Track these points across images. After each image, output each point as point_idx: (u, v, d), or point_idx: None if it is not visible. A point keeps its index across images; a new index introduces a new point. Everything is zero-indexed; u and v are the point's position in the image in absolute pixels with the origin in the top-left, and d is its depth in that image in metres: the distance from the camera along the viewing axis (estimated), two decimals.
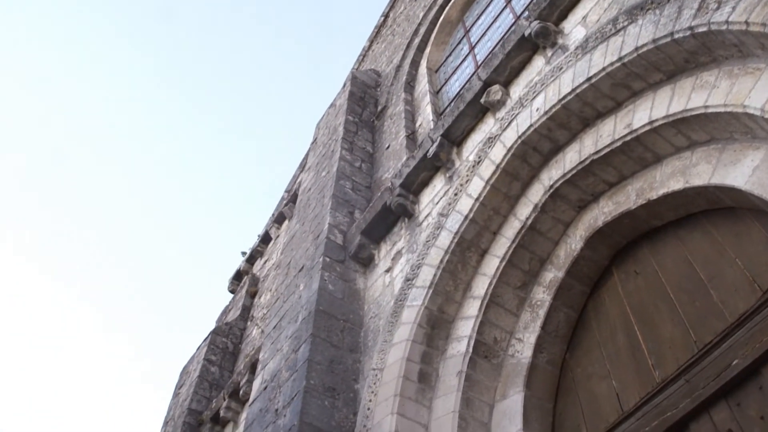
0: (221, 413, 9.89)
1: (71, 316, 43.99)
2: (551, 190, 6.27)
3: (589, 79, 5.95)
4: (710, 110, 5.00)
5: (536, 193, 6.40)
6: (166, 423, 11.36)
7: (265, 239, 14.49)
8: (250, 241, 15.31)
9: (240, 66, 51.09)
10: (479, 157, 6.91)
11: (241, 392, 9.66)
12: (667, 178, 5.52)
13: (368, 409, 6.26)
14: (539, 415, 5.63)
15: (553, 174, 6.33)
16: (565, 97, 6.15)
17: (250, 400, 8.01)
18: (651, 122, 5.50)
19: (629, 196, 5.84)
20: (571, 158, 6.20)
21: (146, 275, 47.43)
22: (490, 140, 6.88)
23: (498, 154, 6.65)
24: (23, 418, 38.73)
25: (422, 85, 11.42)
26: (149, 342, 46.67)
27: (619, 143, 5.76)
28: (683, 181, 5.34)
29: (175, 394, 11.95)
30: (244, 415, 9.22)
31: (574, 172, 6.12)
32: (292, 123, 51.86)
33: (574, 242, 6.19)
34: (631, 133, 5.66)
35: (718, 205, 5.23)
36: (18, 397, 40.31)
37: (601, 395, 5.32)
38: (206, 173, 49.65)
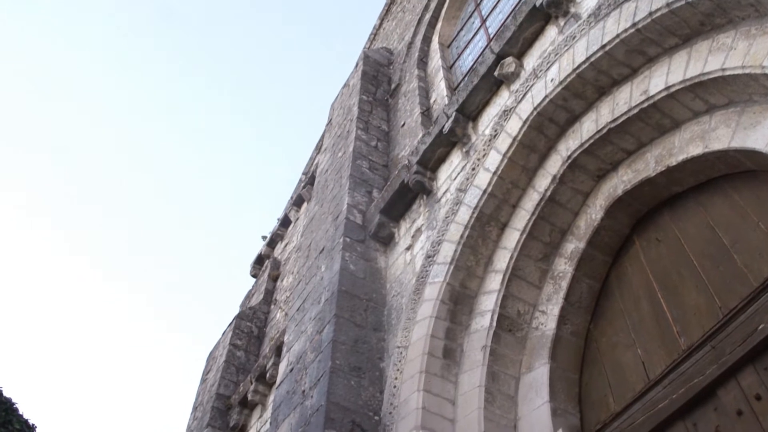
0: (249, 397, 9.97)
1: (95, 304, 44.44)
2: (569, 161, 6.23)
3: (603, 47, 5.88)
4: (728, 73, 4.93)
5: (554, 165, 6.36)
6: (195, 409, 11.47)
7: (285, 222, 14.53)
8: (270, 225, 15.36)
9: (254, 51, 51.05)
10: (495, 131, 6.87)
11: (267, 375, 9.73)
12: (686, 144, 5.46)
13: (394, 387, 6.29)
14: (565, 387, 5.63)
15: (570, 144, 6.29)
16: (579, 66, 6.09)
17: (277, 382, 8.07)
18: (668, 88, 5.44)
19: (648, 164, 5.79)
20: (588, 128, 6.15)
21: (170, 264, 47.74)
22: (506, 113, 6.83)
23: (514, 126, 6.61)
24: (54, 402, 39.28)
25: (435, 60, 11.35)
26: (176, 331, 47.07)
27: (636, 110, 5.71)
28: (702, 145, 5.28)
29: (203, 380, 12.05)
30: (271, 398, 9.29)
31: (591, 141, 6.07)
32: (308, 105, 51.81)
33: (594, 212, 6.15)
34: (647, 99, 5.60)
35: (738, 169, 5.17)
36: (53, 383, 40.86)
37: (626, 364, 5.31)
38: (221, 160, 49.76)
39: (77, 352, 43.35)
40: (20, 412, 11.13)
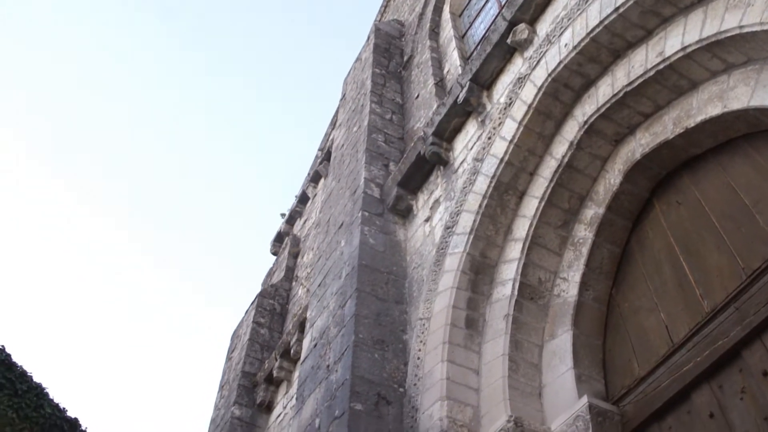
0: (274, 373, 10.06)
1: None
2: (586, 126, 6.18)
3: (616, 9, 5.81)
4: (745, 30, 4.86)
5: (571, 131, 6.32)
6: (221, 387, 11.60)
7: (303, 199, 14.55)
8: (288, 203, 15.38)
9: (267, 29, 50.85)
10: (510, 99, 6.82)
11: (291, 351, 9.80)
12: (704, 104, 5.40)
13: (418, 358, 6.32)
14: (589, 353, 5.63)
15: (586, 109, 6.23)
16: (593, 30, 6.02)
17: (302, 358, 8.13)
18: (684, 48, 5.37)
19: (666, 126, 5.74)
20: (603, 92, 6.09)
21: (193, 244, 48.05)
22: (520, 80, 6.78)
23: (529, 93, 6.56)
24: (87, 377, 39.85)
25: (447, 30, 11.26)
26: (199, 311, 47.46)
27: (652, 72, 5.64)
28: (721, 105, 5.22)
29: (228, 359, 12.17)
30: (296, 374, 9.37)
31: (608, 105, 6.01)
32: (321, 81, 51.67)
33: (612, 177, 6.11)
34: (663, 61, 5.53)
35: (758, 128, 5.11)
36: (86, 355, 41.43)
37: (650, 329, 5.30)
38: (237, 139, 49.82)
39: (103, 333, 43.87)
40: (50, 397, 11.30)
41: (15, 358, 11.04)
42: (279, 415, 9.86)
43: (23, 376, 11.01)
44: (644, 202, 6.01)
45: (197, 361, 45.11)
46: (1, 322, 36.75)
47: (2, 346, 10.92)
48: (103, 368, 42.97)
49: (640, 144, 5.95)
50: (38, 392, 11.12)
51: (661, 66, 5.55)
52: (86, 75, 44.87)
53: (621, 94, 5.90)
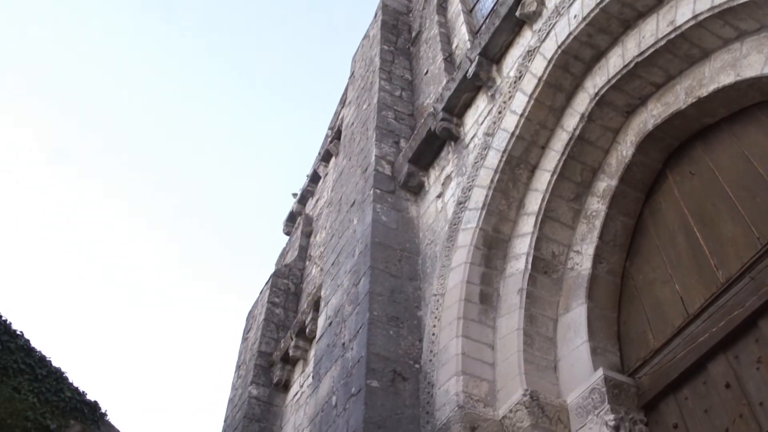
0: (290, 352, 10.12)
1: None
2: (597, 98, 6.13)
3: None
4: None
5: (582, 103, 6.28)
6: (238, 367, 11.68)
7: (314, 178, 14.54)
8: (300, 182, 15.37)
9: (274, 9, 50.59)
10: (520, 72, 6.77)
11: (307, 330, 9.85)
12: (717, 73, 5.34)
13: (433, 334, 6.34)
14: (604, 325, 5.63)
15: (597, 81, 6.18)
16: (602, 0, 5.96)
17: (317, 336, 8.17)
18: (695, 16, 5.30)
19: (678, 96, 5.68)
20: (614, 63, 6.04)
21: (206, 225, 48.25)
22: (530, 53, 6.73)
23: (539, 66, 6.51)
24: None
25: (455, 5, 11.16)
26: (214, 294, 47.73)
27: (663, 42, 5.58)
28: (734, 74, 5.16)
29: (244, 339, 12.24)
30: (312, 352, 9.42)
31: (618, 77, 5.96)
32: (329, 59, 51.49)
33: (624, 149, 6.08)
34: (675, 30, 5.47)
35: None
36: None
37: (664, 300, 5.29)
38: (247, 121, 49.80)
39: (118, 316, 44.19)
40: (70, 381, 11.42)
41: (34, 344, 11.15)
42: (296, 394, 9.93)
43: (42, 361, 11.12)
44: (657, 173, 5.98)
45: (213, 342, 45.43)
46: (20, 308, 37.10)
47: (21, 331, 11.02)
48: (120, 351, 43.36)
49: (651, 115, 5.91)
50: (58, 377, 11.23)
51: (673, 35, 5.49)
52: (94, 63, 44.89)
53: (632, 65, 5.84)
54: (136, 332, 44.63)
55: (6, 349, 10.56)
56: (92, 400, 11.63)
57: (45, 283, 42.59)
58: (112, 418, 12.08)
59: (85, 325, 43.38)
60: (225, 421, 10.88)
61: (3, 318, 10.82)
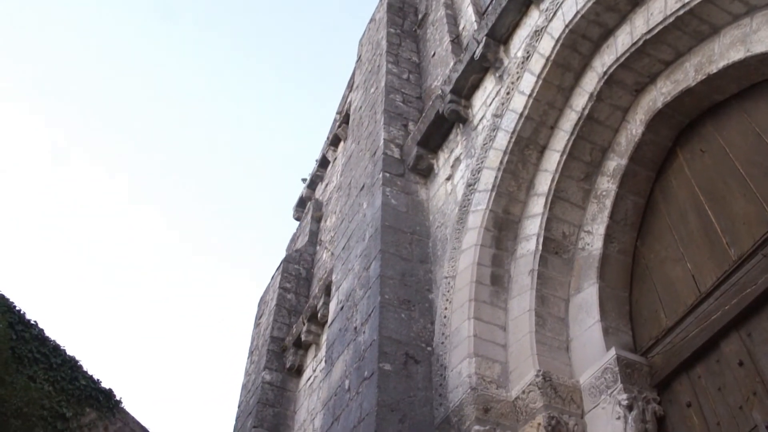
0: (302, 337, 10.15)
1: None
2: (605, 77, 6.09)
3: None
4: None
5: (590, 82, 6.24)
6: (251, 353, 11.73)
7: (323, 163, 14.53)
8: (308, 167, 15.36)
9: None
10: (527, 53, 6.74)
11: (319, 315, 9.88)
12: (727, 49, 5.29)
13: (445, 317, 6.35)
14: (615, 305, 5.62)
15: (605, 60, 6.14)
16: None
17: (329, 321, 8.19)
18: None
19: (687, 73, 5.64)
20: (622, 41, 5.99)
21: (216, 213, 48.36)
22: (537, 33, 6.69)
23: (546, 46, 6.47)
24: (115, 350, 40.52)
25: None
26: (225, 281, 47.92)
27: (671, 19, 5.53)
28: (744, 50, 5.11)
29: (256, 325, 12.29)
30: (324, 337, 9.45)
31: (627, 55, 5.92)
32: (335, 44, 51.32)
33: (634, 127, 6.04)
34: (683, 6, 5.41)
35: None
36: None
37: (676, 279, 5.27)
38: (254, 106, 49.77)
39: (130, 305, 44.45)
40: (84, 369, 11.51)
41: (47, 333, 11.23)
42: (309, 378, 9.97)
43: (56, 349, 11.20)
44: (667, 152, 5.94)
45: (226, 328, 45.62)
46: (33, 298, 37.33)
47: (35, 321, 11.10)
48: (133, 339, 43.60)
49: (661, 93, 5.87)
50: (72, 365, 11.32)
51: (681, 11, 5.44)
52: (99, 49, 44.89)
53: (640, 43, 5.80)
54: (148, 320, 44.85)
55: (21, 338, 10.65)
56: (107, 387, 11.73)
57: (57, 272, 42.82)
58: (127, 405, 12.18)
59: (97, 313, 43.62)
60: (239, 407, 10.95)
61: (17, 308, 10.90)
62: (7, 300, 10.64)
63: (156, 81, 45.60)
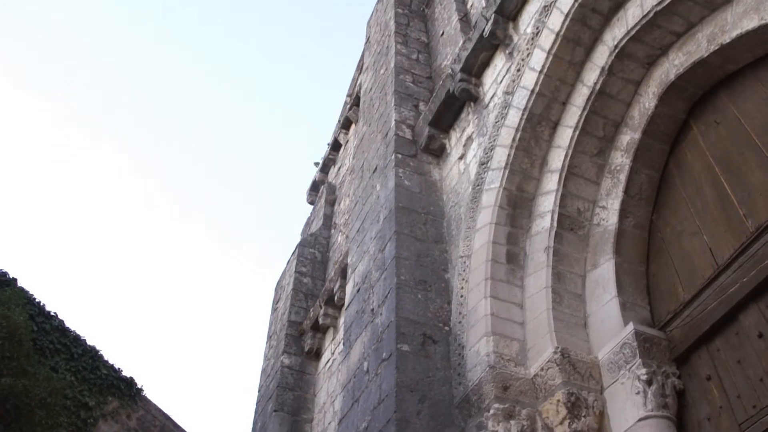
0: (320, 320, 10.19)
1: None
2: (617, 51, 6.04)
3: None
4: None
5: (601, 56, 6.18)
6: (269, 338, 11.79)
7: (335, 146, 14.52)
8: (321, 151, 15.35)
9: None
10: (537, 28, 6.68)
11: (335, 298, 9.91)
12: (740, 18, 5.23)
13: (461, 296, 6.35)
14: (632, 280, 5.60)
15: (616, 33, 6.08)
16: None
17: (346, 303, 8.21)
18: None
19: (700, 44, 5.58)
20: (633, 13, 5.93)
21: (230, 199, 48.50)
22: (546, 8, 6.63)
23: (556, 21, 6.41)
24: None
25: None
26: (241, 267, 48.11)
27: None
28: (758, 18, 5.04)
29: (273, 309, 12.34)
30: (342, 319, 9.48)
31: (638, 27, 5.86)
32: (343, 26, 51.14)
33: (647, 101, 5.99)
34: None
35: None
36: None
37: (693, 252, 5.24)
38: (264, 92, 49.73)
39: (149, 293, 44.76)
40: (105, 358, 11.61)
41: (68, 324, 11.32)
42: (328, 361, 10.02)
43: (77, 340, 11.30)
44: (681, 124, 5.89)
45: (243, 314, 45.87)
46: (52, 289, 37.67)
47: (54, 312, 11.19)
48: (152, 328, 43.92)
49: (673, 65, 5.81)
50: (93, 355, 11.42)
51: None
52: (119, 36, 44.92)
53: (651, 14, 5.73)
54: (166, 308, 45.17)
55: (41, 330, 10.75)
56: (128, 376, 11.84)
57: (73, 262, 43.14)
58: (148, 393, 12.29)
59: (114, 302, 43.96)
60: (259, 391, 11.02)
61: (37, 300, 10.99)
62: (27, 293, 10.72)
63: (165, 70, 45.64)
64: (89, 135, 43.52)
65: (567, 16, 6.28)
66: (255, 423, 10.56)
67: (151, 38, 45.46)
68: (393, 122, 8.59)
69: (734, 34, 5.22)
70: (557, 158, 6.34)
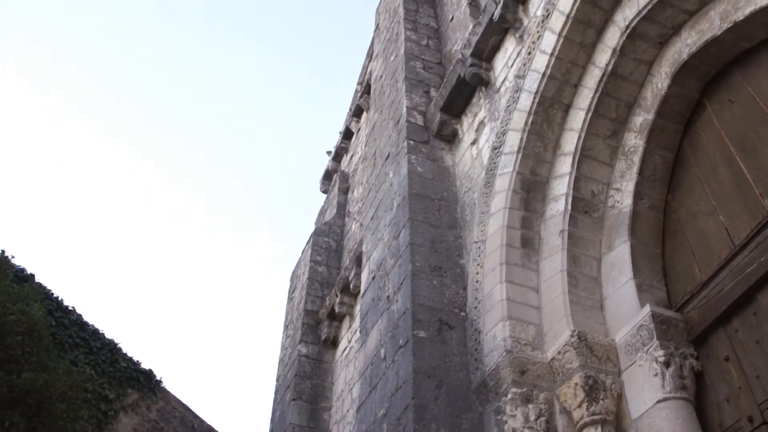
0: (336, 309, 10.22)
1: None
2: (628, 31, 5.98)
3: None
4: None
5: (613, 37, 6.13)
6: (286, 327, 11.84)
7: (347, 135, 14.52)
8: (333, 140, 15.35)
9: None
10: (547, 11, 6.63)
11: (351, 286, 9.93)
12: None
13: (477, 281, 6.34)
14: (648, 262, 5.58)
15: (627, 13, 6.03)
16: None
17: (361, 291, 8.23)
18: None
19: (713, 22, 5.52)
20: None
21: (244, 190, 48.61)
22: None
23: (566, 3, 6.36)
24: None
25: None
26: (255, 258, 48.26)
27: None
28: None
29: (290, 299, 12.39)
30: (358, 307, 9.50)
31: (649, 7, 5.80)
32: (353, 14, 50.98)
33: (660, 81, 5.94)
34: None
35: None
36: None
37: (709, 232, 5.21)
38: (274, 81, 49.72)
39: (165, 285, 44.97)
40: (124, 351, 11.69)
41: (86, 318, 11.40)
42: (344, 349, 10.06)
43: (95, 333, 11.38)
44: (695, 104, 5.84)
45: (260, 305, 46.01)
46: (70, 284, 37.90)
47: (72, 307, 11.27)
48: (169, 320, 44.15)
49: (686, 44, 5.76)
50: (111, 348, 11.49)
51: None
52: (128, 23, 44.99)
53: None
54: (183, 301, 45.38)
55: (60, 324, 10.82)
56: (147, 368, 11.90)
57: (92, 256, 43.37)
58: (167, 384, 12.36)
59: (132, 296, 44.18)
60: (277, 381, 11.08)
61: (54, 295, 11.06)
62: (45, 288, 10.79)
63: (176, 63, 45.68)
64: (101, 130, 43.66)
65: None
66: (274, 412, 10.62)
67: (157, 33, 45.51)
68: (404, 109, 8.57)
69: (748, 11, 5.16)
70: (570, 141, 6.31)
